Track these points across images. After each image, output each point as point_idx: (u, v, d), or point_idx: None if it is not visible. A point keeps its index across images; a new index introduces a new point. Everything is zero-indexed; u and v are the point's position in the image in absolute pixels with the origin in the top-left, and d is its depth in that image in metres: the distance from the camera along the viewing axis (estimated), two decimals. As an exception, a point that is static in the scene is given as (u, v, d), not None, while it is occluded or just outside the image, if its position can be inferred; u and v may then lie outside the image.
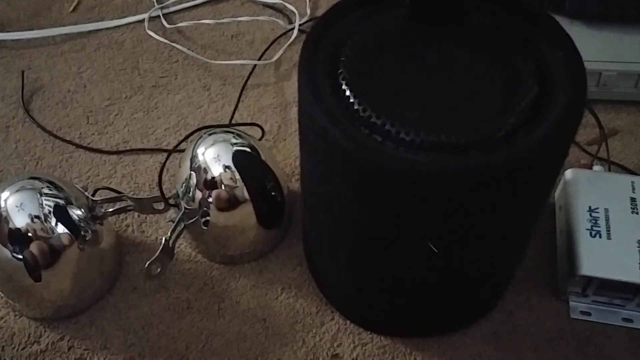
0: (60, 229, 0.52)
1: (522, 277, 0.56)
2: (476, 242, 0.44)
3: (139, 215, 0.63)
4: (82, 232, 0.53)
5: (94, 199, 0.56)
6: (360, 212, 0.43)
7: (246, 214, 0.56)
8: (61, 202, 0.53)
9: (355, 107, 0.40)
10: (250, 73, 0.74)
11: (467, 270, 0.47)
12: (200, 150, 0.56)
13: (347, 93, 0.41)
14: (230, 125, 0.68)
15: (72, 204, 0.54)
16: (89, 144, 0.69)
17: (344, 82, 0.42)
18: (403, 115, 0.40)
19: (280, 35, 0.78)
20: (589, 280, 0.52)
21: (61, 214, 0.53)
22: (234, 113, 0.70)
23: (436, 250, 0.42)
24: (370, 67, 0.43)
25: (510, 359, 0.53)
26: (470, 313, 0.54)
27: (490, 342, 0.54)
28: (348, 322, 0.55)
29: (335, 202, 0.45)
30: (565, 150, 0.41)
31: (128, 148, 0.68)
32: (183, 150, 0.58)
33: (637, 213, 0.54)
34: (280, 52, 0.75)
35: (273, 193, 0.58)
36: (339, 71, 0.42)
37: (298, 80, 0.42)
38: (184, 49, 0.75)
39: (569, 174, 0.58)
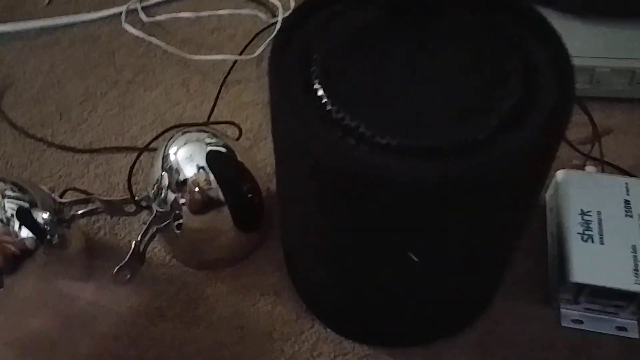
0: (24, 232, 0.50)
1: (511, 283, 0.53)
2: (458, 250, 0.41)
3: (111, 218, 0.60)
4: (48, 236, 0.51)
5: (61, 200, 0.54)
6: (333, 219, 0.41)
7: (221, 217, 0.54)
8: (25, 204, 0.51)
9: (328, 107, 0.38)
10: (231, 68, 0.71)
11: (450, 278, 0.45)
12: (172, 150, 0.53)
13: (319, 93, 0.38)
14: (205, 123, 0.65)
15: (37, 206, 0.51)
16: (61, 142, 0.66)
17: (316, 81, 0.39)
18: (378, 117, 0.37)
19: (263, 30, 0.75)
20: (581, 287, 0.50)
21: (25, 217, 0.50)
22: (212, 110, 0.68)
23: (416, 259, 0.40)
24: (345, 66, 0.40)
25: (497, 369, 0.50)
26: (456, 321, 0.52)
27: (477, 352, 0.51)
28: (328, 330, 0.53)
29: (308, 208, 0.42)
30: (551, 153, 0.39)
31: (102, 146, 0.66)
32: (156, 150, 0.55)
33: (631, 216, 0.52)
34: (263, 47, 0.72)
35: (250, 195, 0.56)
36: (311, 69, 0.39)
37: (268, 79, 0.40)
38: (162, 44, 0.72)
39: (560, 174, 0.55)
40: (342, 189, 0.37)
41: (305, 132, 0.37)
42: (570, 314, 0.53)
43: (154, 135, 0.65)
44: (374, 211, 0.38)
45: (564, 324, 0.52)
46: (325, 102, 0.38)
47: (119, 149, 0.65)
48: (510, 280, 0.53)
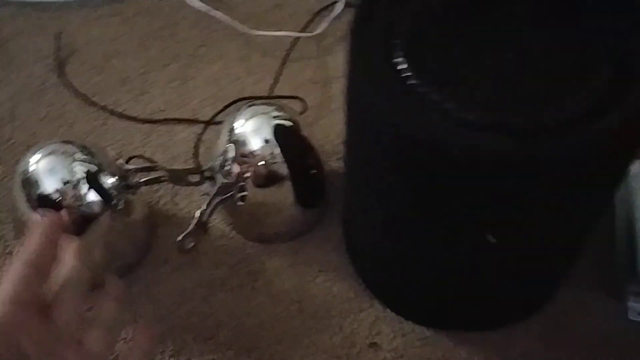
0: (92, 196, 0.50)
1: (577, 275, 0.52)
2: (534, 233, 0.40)
3: (172, 187, 0.60)
4: (114, 201, 0.51)
5: (127, 167, 0.54)
6: (410, 195, 0.40)
7: (284, 191, 0.53)
8: (94, 168, 0.51)
9: (411, 81, 0.37)
10: (292, 46, 0.71)
11: (521, 262, 0.44)
12: (239, 122, 0.53)
13: (402, 66, 0.38)
14: (271, 97, 0.65)
15: (104, 171, 0.51)
16: (123, 111, 0.66)
17: (399, 53, 0.38)
18: (463, 93, 0.36)
19: (325, 7, 0.75)
20: (651, 280, 0.49)
21: (93, 180, 0.50)
22: (273, 86, 0.67)
23: (494, 241, 0.39)
24: (429, 39, 0.39)
25: (561, 359, 0.49)
26: (520, 309, 0.51)
27: (540, 341, 0.50)
28: (387, 310, 0.53)
29: (382, 183, 0.41)
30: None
31: (163, 117, 0.66)
32: (220, 123, 0.55)
33: None
34: (324, 25, 0.72)
35: (313, 171, 0.55)
36: (394, 41, 0.39)
37: (348, 48, 0.39)
38: (225, 18, 0.72)
39: (633, 166, 0.54)
40: (424, 163, 0.37)
41: (389, 105, 0.36)
42: (637, 307, 0.51)
43: (214, 109, 0.65)
44: (455, 187, 0.37)
45: (631, 317, 0.51)
46: (409, 75, 0.37)
47: (179, 121, 0.65)
48: (577, 271, 0.52)
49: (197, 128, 0.64)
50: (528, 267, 0.44)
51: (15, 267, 0.35)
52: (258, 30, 0.72)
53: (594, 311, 0.51)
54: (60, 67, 0.70)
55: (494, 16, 0.40)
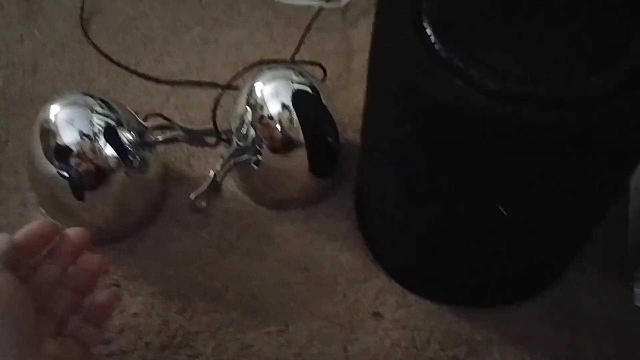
0: (109, 150, 0.51)
1: (587, 258, 0.52)
2: (551, 208, 0.40)
3: (187, 149, 0.60)
4: (131, 157, 0.52)
5: (145, 124, 0.54)
6: (429, 163, 0.40)
7: (299, 158, 0.53)
8: (112, 122, 0.51)
9: (437, 46, 0.37)
10: (316, 15, 0.71)
11: (533, 238, 0.44)
12: (258, 85, 0.53)
13: (429, 31, 0.38)
14: (291, 61, 0.64)
15: (123, 126, 0.52)
16: (144, 71, 0.67)
17: (426, 18, 0.38)
18: (490, 61, 0.36)
19: (351, -21, 0.74)
20: (661, 268, 0.48)
21: (111, 135, 0.51)
22: (295, 54, 0.67)
23: (505, 213, 0.39)
24: (458, 6, 0.39)
25: (565, 341, 0.49)
26: (528, 286, 0.51)
27: (544, 322, 0.50)
28: (393, 281, 0.53)
29: (402, 151, 0.41)
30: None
31: (183, 80, 0.66)
32: (238, 88, 0.55)
33: None
34: (349, -3, 0.71)
35: (330, 140, 0.55)
36: (423, 5, 0.38)
37: (376, 12, 0.39)
38: (250, -16, 0.72)
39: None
40: (443, 129, 0.37)
41: (413, 68, 0.36)
42: (645, 295, 0.51)
43: (235, 74, 0.65)
44: (473, 156, 0.37)
45: (638, 304, 0.51)
46: (435, 40, 0.37)
47: (200, 84, 0.65)
48: (587, 254, 0.52)
49: (215, 92, 0.64)
50: (537, 244, 0.44)
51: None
52: (283, -2, 0.72)
53: (601, 295, 0.51)
54: (84, 24, 0.70)
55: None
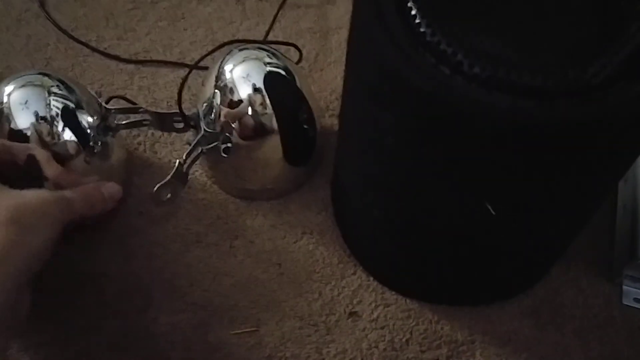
0: (68, 135, 0.47)
1: (573, 253, 0.49)
2: (540, 204, 0.37)
3: (152, 134, 0.56)
4: (91, 143, 0.48)
5: (107, 107, 0.50)
6: (412, 155, 0.37)
7: (272, 145, 0.50)
8: (71, 105, 0.47)
9: (422, 29, 0.33)
10: (291, -9, 0.66)
11: (519, 235, 0.41)
12: (228, 67, 0.49)
13: (414, 12, 0.34)
14: (264, 42, 0.60)
15: (82, 108, 0.48)
16: (105, 48, 0.62)
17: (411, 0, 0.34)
18: (479, 46, 0.33)
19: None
20: (651, 266, 0.46)
21: (70, 118, 0.47)
22: (268, 32, 0.63)
23: (493, 213, 0.36)
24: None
25: (549, 340, 0.47)
26: (511, 285, 0.48)
27: (530, 319, 0.48)
28: (371, 278, 0.50)
29: (382, 141, 0.38)
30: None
31: (148, 58, 0.62)
32: (207, 68, 0.51)
33: None
34: (327, -29, 0.67)
35: (305, 126, 0.52)
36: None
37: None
38: (221, -44, 0.67)
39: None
40: (430, 120, 0.33)
41: (396, 54, 0.32)
42: (633, 292, 0.49)
43: (203, 52, 0.61)
44: (458, 148, 0.34)
45: (625, 302, 0.49)
46: (419, 23, 0.33)
47: (166, 63, 0.61)
48: (573, 251, 0.49)
49: (184, 72, 0.60)
50: (523, 242, 0.42)
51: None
52: (256, -28, 0.67)
53: (588, 293, 0.49)
54: (41, -3, 0.65)
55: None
